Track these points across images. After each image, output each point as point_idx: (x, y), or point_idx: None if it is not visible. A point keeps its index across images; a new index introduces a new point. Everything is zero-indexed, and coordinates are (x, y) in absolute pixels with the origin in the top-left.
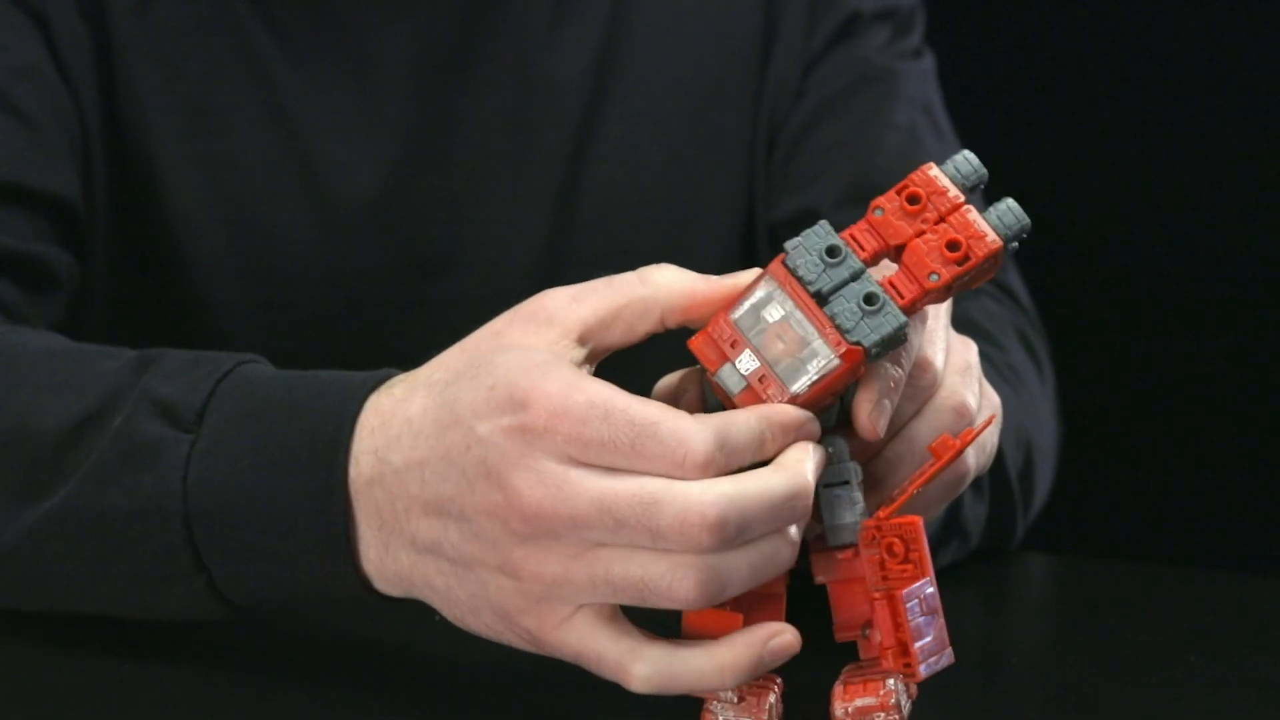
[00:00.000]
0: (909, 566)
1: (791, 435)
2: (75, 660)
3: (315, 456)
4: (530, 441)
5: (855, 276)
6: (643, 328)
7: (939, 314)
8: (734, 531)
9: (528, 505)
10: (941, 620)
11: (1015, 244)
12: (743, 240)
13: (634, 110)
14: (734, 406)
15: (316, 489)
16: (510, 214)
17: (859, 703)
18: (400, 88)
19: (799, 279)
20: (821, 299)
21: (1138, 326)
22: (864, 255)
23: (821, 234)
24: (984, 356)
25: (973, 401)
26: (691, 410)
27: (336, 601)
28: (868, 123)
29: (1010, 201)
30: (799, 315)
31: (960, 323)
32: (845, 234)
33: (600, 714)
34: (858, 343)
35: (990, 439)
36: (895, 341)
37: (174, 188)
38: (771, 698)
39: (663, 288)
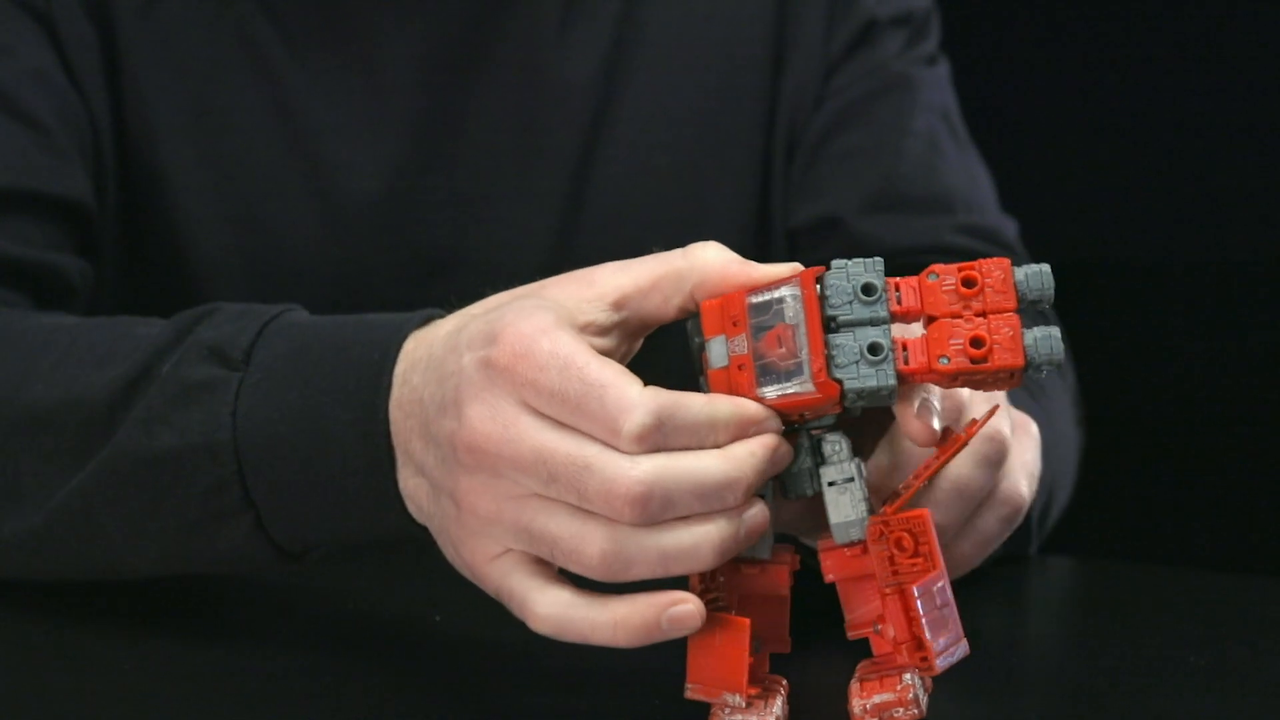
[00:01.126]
0: (919, 560)
1: (747, 429)
2: (75, 659)
3: (361, 384)
4: (492, 377)
5: (875, 322)
6: (676, 300)
7: None
8: (657, 507)
9: (475, 438)
10: (955, 612)
11: (1041, 372)
12: (754, 243)
13: (643, 112)
14: (707, 380)
15: (361, 415)
16: (518, 215)
17: (877, 699)
18: (407, 87)
19: (823, 298)
20: (831, 326)
21: (1135, 328)
22: (897, 309)
23: (868, 269)
24: None
25: (1005, 428)
26: None
27: (379, 541)
28: (888, 130)
29: (1055, 331)
30: (804, 330)
31: None
32: (893, 280)
33: (606, 715)
34: (839, 381)
35: (1035, 464)
36: (877, 398)
37: (179, 187)
38: (779, 701)
39: (700, 262)
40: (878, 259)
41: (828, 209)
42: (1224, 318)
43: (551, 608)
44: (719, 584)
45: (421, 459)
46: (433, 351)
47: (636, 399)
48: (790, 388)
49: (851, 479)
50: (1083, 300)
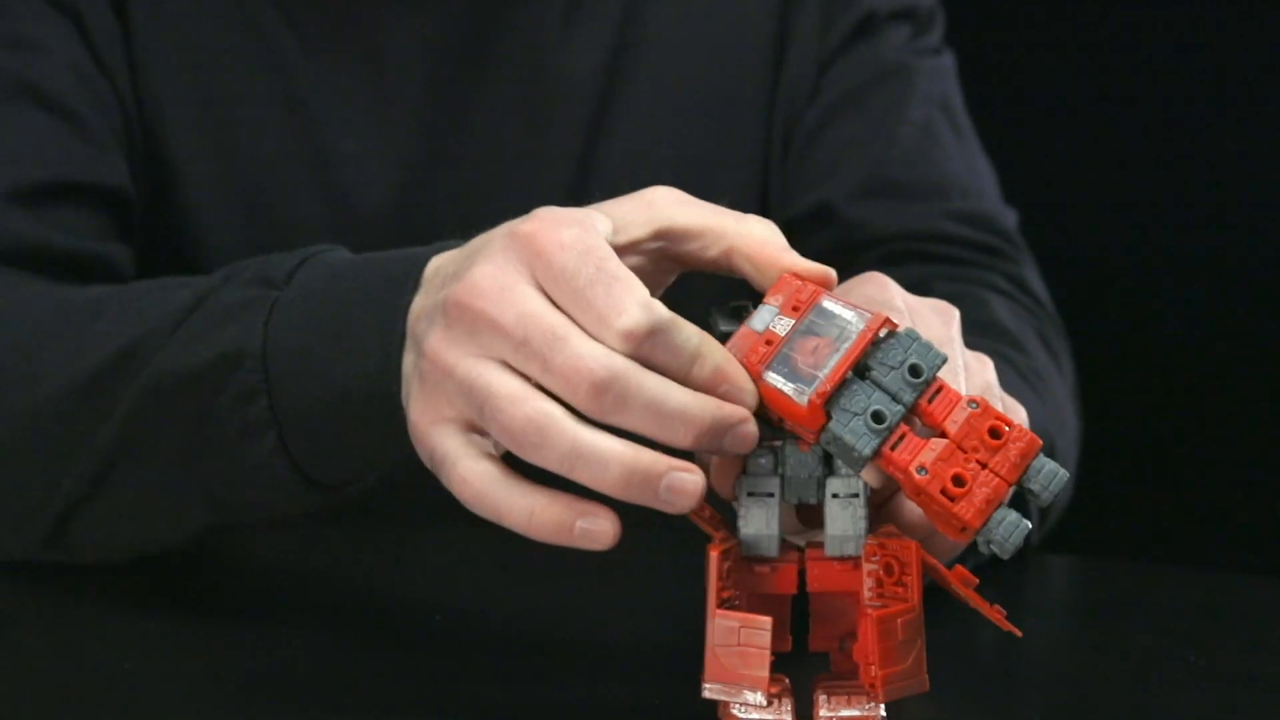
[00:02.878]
0: (900, 589)
1: (725, 381)
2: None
3: (387, 288)
4: (510, 244)
5: (898, 399)
6: (712, 253)
7: (952, 337)
8: (610, 402)
9: (468, 293)
10: (921, 648)
11: (985, 549)
12: None
13: (646, 107)
14: (727, 339)
15: (381, 315)
16: (522, 208)
17: (844, 713)
18: (413, 82)
19: (876, 345)
20: (862, 373)
21: (1135, 325)
22: (924, 405)
23: (929, 359)
24: (1009, 361)
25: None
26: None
27: (395, 467)
28: (883, 118)
29: (1026, 525)
30: (839, 356)
31: (985, 326)
32: (940, 382)
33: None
34: (829, 415)
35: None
36: (848, 456)
37: (188, 177)
38: (791, 700)
39: (746, 229)
40: (945, 356)
41: (823, 197)
42: (1225, 316)
43: (477, 476)
44: (733, 581)
45: (414, 330)
46: (465, 247)
47: (640, 299)
48: (788, 389)
49: (856, 494)
50: (1083, 295)
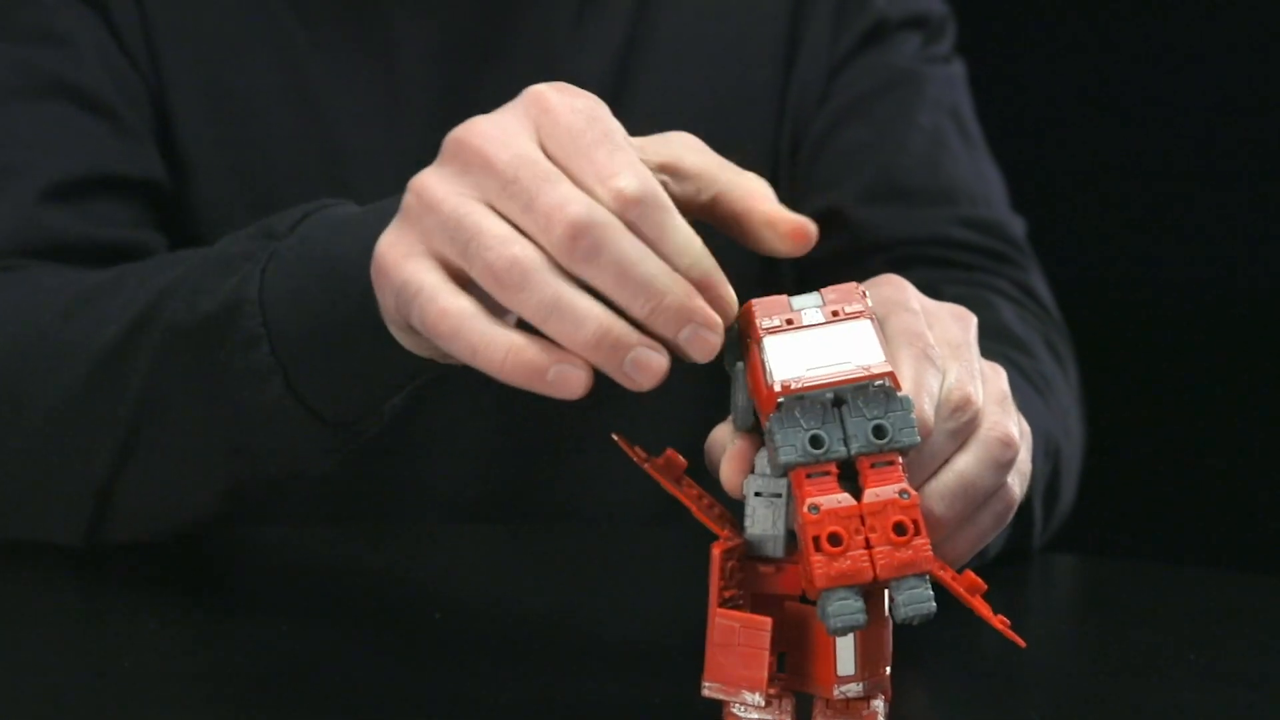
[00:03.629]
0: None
1: (709, 291)
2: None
3: (380, 216)
4: (521, 101)
5: (846, 443)
6: (701, 199)
7: (969, 342)
8: (584, 248)
9: (468, 135)
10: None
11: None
12: None
13: (655, 109)
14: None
15: (368, 245)
16: None
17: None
18: (423, 79)
19: (864, 388)
20: (838, 401)
21: (1137, 326)
22: (861, 468)
23: (903, 426)
24: (1016, 366)
25: (1014, 431)
26: (744, 456)
27: (397, 390)
28: (893, 124)
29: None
30: (828, 371)
31: (993, 331)
32: (892, 461)
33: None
34: (779, 404)
35: (1025, 462)
36: (772, 454)
37: (200, 169)
38: (792, 701)
39: (738, 177)
40: (916, 441)
41: (831, 202)
42: (1226, 317)
43: (459, 310)
44: (737, 581)
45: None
46: None
47: (640, 170)
48: (771, 364)
49: (779, 495)
50: (1086, 299)
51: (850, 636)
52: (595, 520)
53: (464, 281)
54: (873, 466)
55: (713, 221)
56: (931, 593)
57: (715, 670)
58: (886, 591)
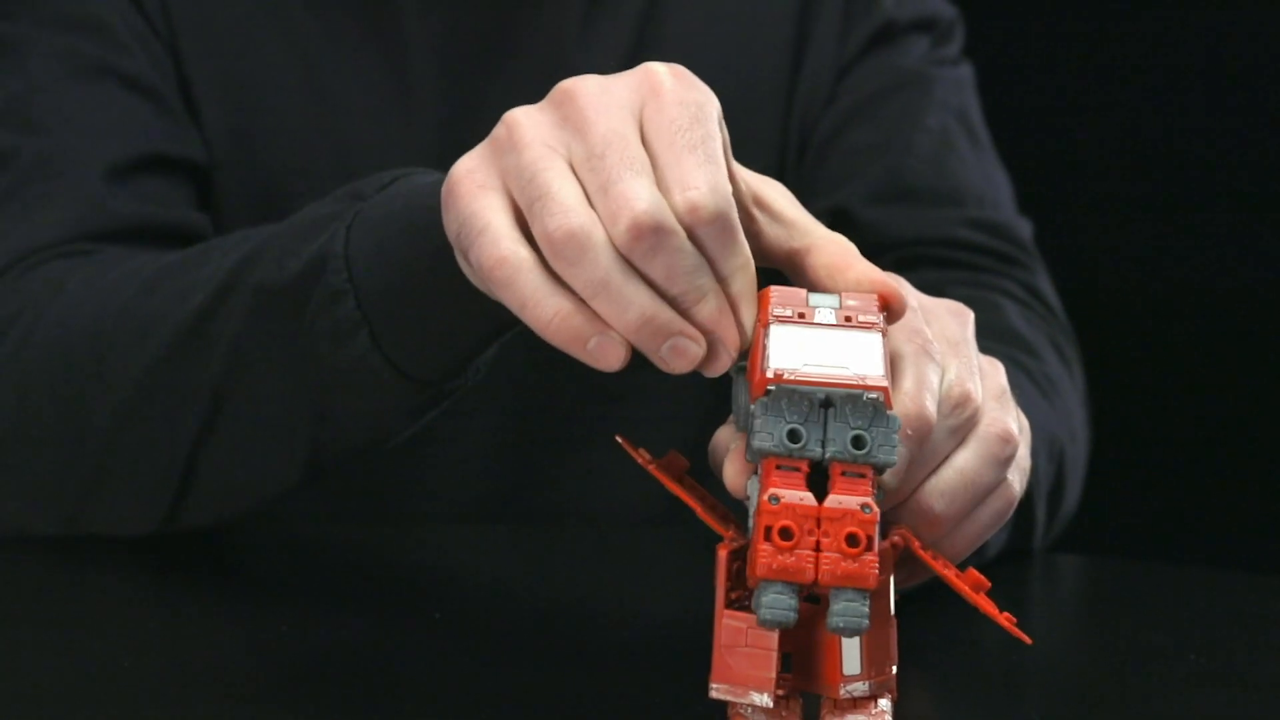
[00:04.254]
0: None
1: (740, 313)
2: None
3: None
4: (635, 73)
5: (824, 445)
6: (789, 244)
7: (967, 339)
8: (644, 247)
9: (574, 87)
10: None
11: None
12: None
13: None
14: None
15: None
16: None
17: (849, 717)
18: (434, 75)
19: (854, 398)
20: (827, 404)
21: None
22: (832, 474)
23: (884, 443)
24: (1022, 367)
25: (1014, 426)
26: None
27: (484, 344)
28: (900, 125)
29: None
30: (823, 373)
31: (999, 331)
32: (864, 474)
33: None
34: (769, 391)
35: (1025, 459)
36: (749, 435)
37: (212, 159)
38: (800, 703)
39: (828, 233)
40: (894, 462)
41: (838, 203)
42: (1228, 318)
43: (515, 259)
44: (743, 582)
45: None
46: None
47: (723, 187)
48: (771, 350)
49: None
50: (1091, 301)
51: (856, 636)
52: (598, 521)
53: (527, 224)
54: (843, 474)
55: (788, 271)
56: (867, 610)
57: (723, 671)
58: (892, 593)
